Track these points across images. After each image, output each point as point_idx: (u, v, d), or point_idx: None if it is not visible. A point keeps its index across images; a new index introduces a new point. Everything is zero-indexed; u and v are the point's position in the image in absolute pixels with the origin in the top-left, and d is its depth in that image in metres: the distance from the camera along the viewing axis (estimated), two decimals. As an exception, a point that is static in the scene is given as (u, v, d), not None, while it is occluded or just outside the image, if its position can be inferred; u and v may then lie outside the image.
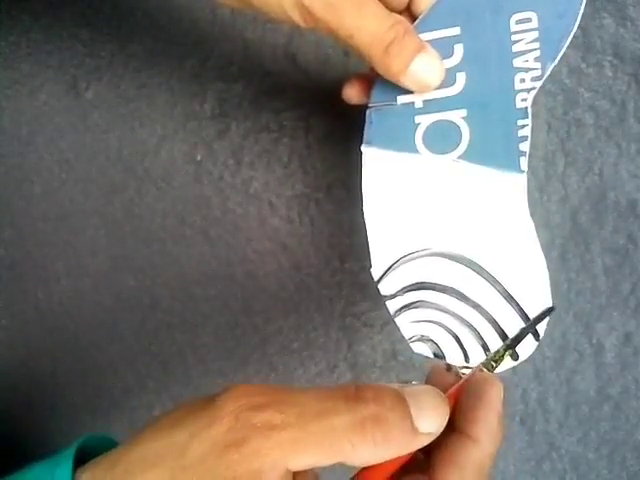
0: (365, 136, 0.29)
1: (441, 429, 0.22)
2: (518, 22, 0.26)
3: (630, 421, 0.40)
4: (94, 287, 0.48)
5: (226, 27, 0.41)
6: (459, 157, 0.27)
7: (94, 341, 0.49)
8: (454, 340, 0.28)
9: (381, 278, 0.29)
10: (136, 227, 0.46)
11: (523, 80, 0.26)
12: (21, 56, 0.46)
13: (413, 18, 0.28)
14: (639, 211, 0.37)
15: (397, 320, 0.29)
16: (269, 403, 0.21)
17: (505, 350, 0.27)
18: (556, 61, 0.26)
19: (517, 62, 0.26)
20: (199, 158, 0.44)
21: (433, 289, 0.28)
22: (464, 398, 0.24)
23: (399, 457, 0.22)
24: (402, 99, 0.28)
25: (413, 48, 0.25)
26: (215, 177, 0.44)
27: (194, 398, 0.23)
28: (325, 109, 0.40)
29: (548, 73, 0.26)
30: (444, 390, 0.23)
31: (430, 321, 0.29)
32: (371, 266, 0.29)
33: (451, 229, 0.28)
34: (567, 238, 0.39)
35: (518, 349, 0.27)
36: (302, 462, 0.21)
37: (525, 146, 0.26)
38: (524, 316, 0.27)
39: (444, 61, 0.27)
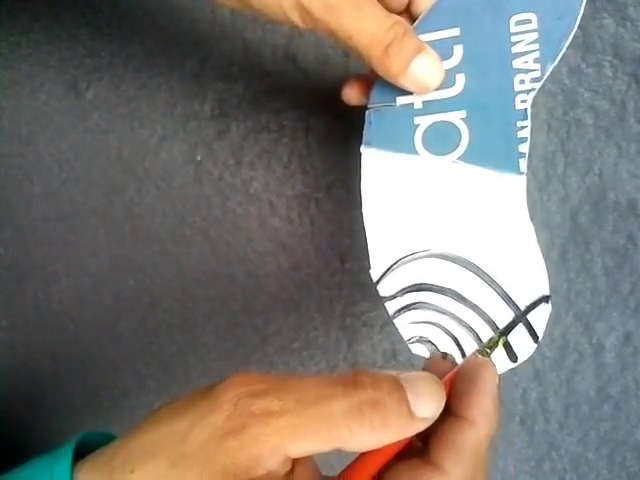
0: (364, 137, 0.29)
1: (437, 414, 0.22)
2: (518, 23, 0.26)
3: (630, 421, 0.40)
4: (94, 287, 0.48)
5: (226, 27, 0.41)
6: (458, 158, 0.27)
7: (94, 341, 0.49)
8: (452, 341, 0.28)
9: (380, 279, 0.29)
10: (136, 227, 0.46)
11: (522, 81, 0.26)
12: (21, 56, 0.45)
13: (412, 19, 0.28)
14: (639, 211, 0.37)
15: (396, 321, 0.29)
16: (268, 390, 0.22)
17: (499, 337, 0.27)
18: (556, 62, 0.26)
19: (517, 63, 0.26)
20: (199, 158, 0.44)
21: (432, 290, 0.28)
22: (459, 383, 0.24)
23: (396, 443, 0.22)
24: (401, 100, 0.28)
25: (412, 49, 0.25)
26: (215, 177, 0.44)
27: (194, 390, 0.23)
28: (325, 109, 0.40)
29: (548, 74, 0.26)
30: (440, 377, 0.24)
31: (429, 322, 0.29)
32: (370, 267, 0.29)
33: (450, 230, 0.28)
34: (567, 238, 0.39)
35: (516, 349, 0.27)
36: (301, 448, 0.21)
37: (524, 147, 0.26)
38: (523, 318, 0.27)
39: (444, 62, 0.27)
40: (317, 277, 0.43)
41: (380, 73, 0.26)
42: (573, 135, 0.37)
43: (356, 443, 0.21)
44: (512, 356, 0.28)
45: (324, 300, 0.43)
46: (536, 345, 0.27)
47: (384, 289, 0.29)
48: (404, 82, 0.26)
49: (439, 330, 0.28)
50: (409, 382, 0.22)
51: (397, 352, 0.43)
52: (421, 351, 0.29)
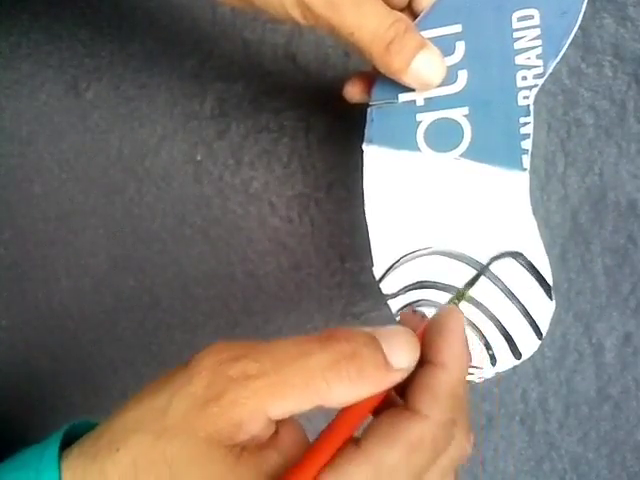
0: (366, 134, 0.29)
1: (413, 364, 0.23)
2: (520, 19, 0.26)
3: (630, 421, 0.40)
4: (94, 287, 0.48)
5: (226, 27, 0.41)
6: (461, 155, 0.27)
7: (94, 341, 0.49)
8: None
9: (382, 277, 0.29)
10: (136, 227, 0.46)
11: (525, 77, 0.26)
12: (21, 56, 0.45)
13: (414, 16, 0.28)
14: (639, 211, 0.37)
15: (398, 319, 0.29)
16: (245, 354, 0.22)
17: (465, 289, 0.27)
18: (558, 58, 0.26)
19: (519, 59, 0.26)
20: (199, 158, 0.44)
21: (435, 288, 0.28)
22: (429, 333, 0.24)
23: (375, 397, 0.22)
24: (403, 97, 0.28)
25: (414, 46, 0.25)
26: (215, 177, 0.44)
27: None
28: (325, 109, 0.40)
29: (550, 70, 0.26)
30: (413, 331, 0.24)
31: None
32: (372, 265, 0.29)
33: (453, 227, 0.28)
34: (567, 238, 0.39)
35: (520, 346, 0.27)
36: (281, 408, 0.21)
37: (527, 144, 0.26)
38: (526, 314, 0.27)
39: (446, 59, 0.26)
40: (317, 277, 0.43)
41: (382, 70, 0.26)
42: (573, 135, 0.37)
43: (335, 397, 0.21)
44: (516, 353, 0.28)
45: (324, 300, 0.43)
46: (540, 341, 0.27)
47: (387, 287, 0.29)
48: (406, 79, 0.26)
49: None
50: (383, 335, 0.23)
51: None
52: None
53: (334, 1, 0.24)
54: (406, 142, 0.28)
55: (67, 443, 0.23)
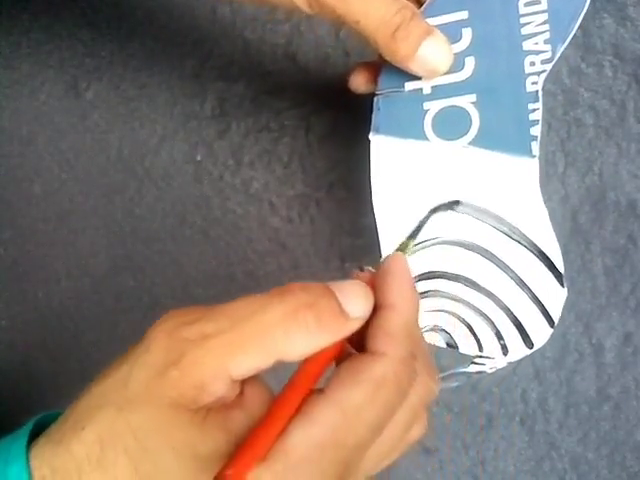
0: (373, 123, 0.28)
1: (367, 313, 0.23)
2: (527, 4, 0.25)
3: (630, 421, 0.40)
4: (94, 287, 0.48)
5: (226, 27, 0.41)
6: (469, 143, 0.27)
7: (94, 341, 0.49)
8: (467, 329, 0.28)
9: None
10: (136, 227, 0.46)
11: (533, 63, 0.26)
12: (21, 56, 0.45)
13: (420, 3, 0.27)
14: (639, 211, 0.37)
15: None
16: (200, 316, 0.22)
17: (409, 240, 0.27)
18: (566, 42, 0.25)
19: (527, 45, 0.26)
20: (199, 158, 0.44)
21: (444, 278, 0.28)
22: (377, 281, 0.24)
23: (333, 347, 0.22)
24: (410, 85, 0.27)
25: (420, 32, 0.25)
26: (215, 177, 0.44)
27: None
28: (325, 109, 0.40)
29: (558, 55, 0.25)
30: None
31: (442, 310, 0.28)
32: (381, 256, 0.28)
33: (462, 217, 0.27)
34: (567, 238, 0.39)
35: (532, 335, 0.27)
36: (242, 365, 0.21)
37: (536, 130, 0.26)
38: (538, 302, 0.27)
39: (452, 46, 0.26)
40: (317, 277, 0.43)
41: (388, 58, 0.26)
42: (573, 135, 0.37)
43: (294, 349, 0.21)
44: (528, 342, 0.27)
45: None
46: (552, 330, 0.27)
47: None
48: (412, 66, 0.26)
49: (453, 318, 0.28)
50: (337, 287, 0.23)
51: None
52: (435, 340, 0.29)
53: None
54: (413, 131, 0.28)
55: (40, 434, 0.23)
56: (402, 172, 0.28)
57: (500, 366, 0.28)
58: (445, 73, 0.26)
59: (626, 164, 0.37)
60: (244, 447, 0.20)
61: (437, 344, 0.29)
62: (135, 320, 0.48)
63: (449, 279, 0.28)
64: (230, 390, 0.21)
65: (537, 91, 0.26)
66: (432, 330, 0.28)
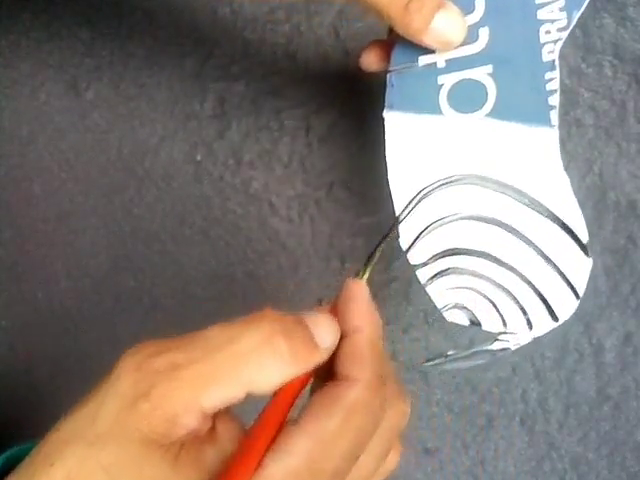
0: (387, 100, 0.27)
1: (336, 342, 0.23)
2: None
3: (630, 421, 0.40)
4: (94, 287, 0.48)
5: (226, 27, 0.41)
6: (486, 115, 0.26)
7: (94, 341, 0.49)
8: (490, 305, 0.27)
9: (410, 247, 0.28)
10: (136, 227, 0.46)
11: (549, 32, 0.25)
12: (21, 56, 0.45)
13: None
14: (639, 211, 0.37)
15: (428, 289, 0.28)
16: (170, 347, 0.21)
17: (365, 266, 0.26)
18: (582, 9, 0.25)
19: (541, 14, 0.25)
20: (199, 158, 0.44)
21: (466, 254, 0.27)
22: (338, 309, 0.25)
23: (302, 377, 0.22)
24: (423, 60, 0.27)
25: (433, 5, 0.24)
26: (215, 177, 0.44)
27: None
28: (325, 109, 0.40)
29: (574, 23, 0.25)
30: None
31: (464, 287, 0.28)
32: (398, 236, 0.28)
33: (481, 191, 0.27)
34: (567, 238, 0.39)
35: (556, 308, 0.26)
36: (214, 397, 0.20)
37: (554, 100, 0.25)
38: (562, 275, 0.26)
39: (466, 17, 0.26)
40: (317, 277, 0.43)
41: (400, 32, 0.25)
42: (573, 135, 0.37)
43: (267, 379, 0.21)
44: (553, 316, 0.27)
45: (324, 300, 0.43)
46: (577, 302, 0.26)
47: (414, 257, 0.28)
48: (426, 39, 0.25)
49: (475, 295, 0.27)
50: (307, 318, 0.23)
51: (397, 352, 0.43)
52: (458, 318, 0.28)
53: None
54: (428, 106, 0.27)
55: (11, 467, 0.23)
56: (418, 148, 0.27)
57: (524, 342, 0.27)
58: (459, 45, 0.26)
59: (626, 164, 0.37)
60: None
61: (460, 322, 0.28)
62: (135, 320, 0.48)
63: (470, 255, 0.27)
64: (202, 423, 0.21)
65: (553, 60, 0.25)
66: (454, 308, 0.28)
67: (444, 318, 0.28)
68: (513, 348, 0.27)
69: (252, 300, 0.45)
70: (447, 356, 0.29)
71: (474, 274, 0.27)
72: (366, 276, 0.27)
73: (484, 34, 0.26)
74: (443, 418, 0.43)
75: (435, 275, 0.28)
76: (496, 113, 0.26)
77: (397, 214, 0.28)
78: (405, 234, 0.28)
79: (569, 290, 0.27)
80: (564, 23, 0.25)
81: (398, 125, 0.27)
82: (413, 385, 0.43)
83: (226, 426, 0.22)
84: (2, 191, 0.48)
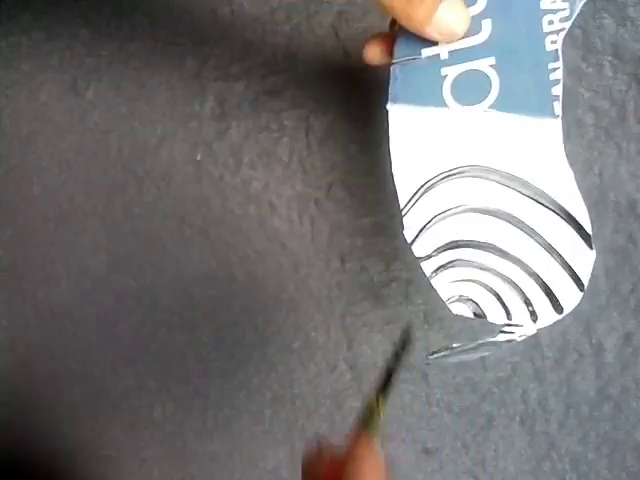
0: (390, 93, 0.27)
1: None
2: None
3: (630, 421, 0.40)
4: (94, 287, 0.48)
5: (226, 27, 0.41)
6: (490, 107, 0.26)
7: (94, 341, 0.49)
8: (495, 298, 0.27)
9: (415, 240, 0.28)
10: (136, 227, 0.46)
11: (551, 22, 0.25)
12: (21, 56, 0.45)
13: None
14: (639, 211, 0.37)
15: (433, 281, 0.28)
16: None
17: (378, 399, 0.26)
18: None
19: (544, 4, 0.25)
20: (199, 158, 0.44)
21: (470, 246, 0.27)
22: (347, 467, 0.23)
23: None
24: (427, 52, 0.27)
25: None
26: (215, 177, 0.44)
27: None
28: (325, 109, 0.40)
29: (577, 12, 0.25)
30: (320, 470, 0.24)
31: (469, 280, 0.28)
32: (403, 228, 0.28)
33: (485, 183, 0.27)
34: (567, 238, 0.39)
35: (561, 300, 0.26)
36: None
37: (558, 90, 0.25)
38: (567, 266, 0.26)
39: (469, 8, 0.26)
40: (317, 277, 0.43)
41: (403, 24, 0.25)
42: (573, 135, 0.37)
43: None
44: (557, 307, 0.27)
45: (324, 300, 0.43)
46: (582, 294, 0.26)
47: (419, 249, 0.28)
48: (429, 31, 0.25)
49: (480, 287, 0.27)
50: None
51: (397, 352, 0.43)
52: (462, 310, 0.28)
53: None
54: (432, 98, 0.27)
55: None
56: (422, 141, 0.27)
57: (530, 333, 0.27)
58: (462, 37, 0.26)
59: (626, 164, 0.37)
60: None
61: (464, 314, 0.28)
62: (135, 320, 0.48)
63: (475, 247, 0.27)
64: None
65: (557, 50, 0.25)
66: (459, 300, 0.28)
67: (444, 317, 0.28)
68: (519, 339, 0.27)
69: (252, 300, 0.45)
70: (452, 349, 0.29)
71: (478, 266, 0.27)
72: (382, 411, 0.26)
73: (487, 25, 0.26)
74: (443, 418, 0.43)
75: (439, 267, 0.28)
76: (499, 105, 0.26)
77: (401, 206, 0.28)
78: (409, 227, 0.28)
79: (573, 282, 0.27)
80: (567, 13, 0.25)
81: (402, 118, 0.27)
82: (413, 385, 0.43)
83: None
84: (2, 191, 0.48)
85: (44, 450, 0.53)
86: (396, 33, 0.27)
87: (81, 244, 0.47)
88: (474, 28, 0.26)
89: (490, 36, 0.26)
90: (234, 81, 0.42)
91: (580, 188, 0.38)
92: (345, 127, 0.40)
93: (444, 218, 0.27)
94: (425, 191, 0.27)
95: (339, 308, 0.43)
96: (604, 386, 0.40)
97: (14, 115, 0.47)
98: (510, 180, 0.26)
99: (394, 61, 0.27)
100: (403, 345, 0.27)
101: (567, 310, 0.27)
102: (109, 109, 0.45)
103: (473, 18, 0.26)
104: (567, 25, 0.25)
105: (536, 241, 0.26)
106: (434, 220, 0.27)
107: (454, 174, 0.27)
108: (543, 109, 0.26)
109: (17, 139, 0.47)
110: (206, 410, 0.48)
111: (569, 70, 0.37)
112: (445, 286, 0.28)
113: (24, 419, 0.53)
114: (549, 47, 0.25)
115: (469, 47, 0.26)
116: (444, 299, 0.28)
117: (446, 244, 0.27)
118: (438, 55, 0.26)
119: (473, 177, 0.27)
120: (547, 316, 0.27)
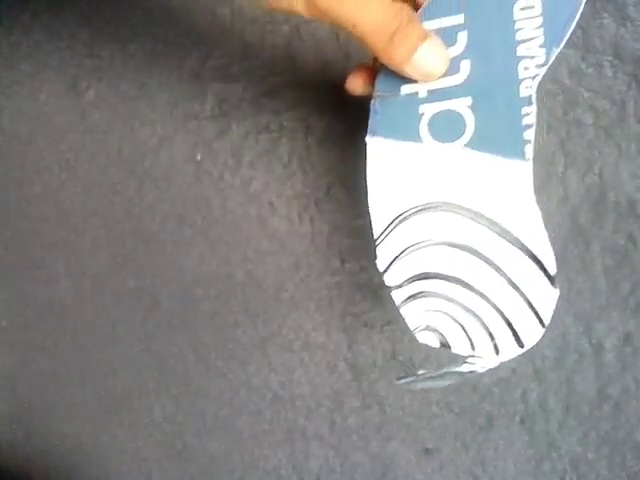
0: (370, 126, 0.28)
1: None
2: (522, 9, 0.26)
3: (630, 421, 0.40)
4: (94, 287, 0.48)
5: (226, 27, 0.41)
6: (465, 146, 0.27)
7: (94, 341, 0.49)
8: (460, 329, 0.28)
9: (387, 269, 0.29)
10: (136, 227, 0.46)
11: (527, 68, 0.26)
12: (21, 56, 0.46)
13: (417, 6, 0.27)
14: (639, 211, 0.37)
15: (402, 310, 0.29)
16: None
17: None
18: (560, 47, 0.25)
19: (521, 50, 0.26)
20: (199, 158, 0.44)
21: (439, 279, 0.28)
22: None
23: None
24: (406, 89, 0.27)
25: (417, 37, 0.25)
26: (215, 177, 0.44)
27: None
28: (325, 110, 0.40)
29: (553, 59, 0.26)
30: None
31: (436, 310, 0.28)
32: (376, 257, 0.29)
33: (456, 218, 0.28)
34: (567, 238, 0.39)
35: (522, 335, 0.27)
36: None
37: (530, 134, 0.26)
38: (530, 304, 0.27)
39: (448, 49, 0.26)
40: (317, 277, 0.43)
41: (384, 62, 0.26)
42: (573, 135, 0.37)
43: None
44: (519, 342, 0.27)
45: (324, 300, 0.43)
46: (543, 330, 0.27)
47: (390, 278, 0.29)
48: (409, 70, 0.26)
49: (447, 318, 0.28)
50: None
51: (397, 352, 0.43)
52: (429, 339, 0.29)
53: None
54: (409, 133, 0.28)
55: None
56: (398, 174, 0.28)
57: (492, 366, 0.28)
58: (441, 77, 0.27)
59: (626, 164, 0.37)
60: None
61: (431, 344, 0.29)
62: (135, 320, 0.48)
63: (443, 280, 0.28)
64: None
65: (531, 95, 0.26)
66: (426, 330, 0.29)
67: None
68: (481, 370, 0.29)
69: (252, 300, 0.45)
70: (418, 375, 0.30)
71: (446, 298, 0.28)
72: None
73: (465, 67, 0.27)
74: (443, 418, 0.43)
75: (409, 297, 0.29)
76: (474, 144, 0.27)
77: (375, 236, 0.29)
78: (382, 256, 0.29)
79: (535, 319, 0.27)
80: (542, 60, 0.26)
81: (380, 150, 0.28)
82: (413, 385, 0.43)
83: None
84: (2, 191, 0.48)
85: (44, 450, 0.53)
86: (378, 67, 0.27)
87: (81, 244, 0.47)
88: (453, 68, 0.27)
89: (468, 77, 0.27)
90: (234, 81, 0.42)
91: (580, 188, 0.38)
92: (344, 128, 0.40)
93: (416, 250, 0.28)
94: (399, 223, 0.28)
95: (339, 308, 0.43)
96: (604, 386, 0.40)
97: (14, 115, 0.47)
98: (479, 217, 0.27)
99: (374, 95, 0.28)
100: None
101: (528, 345, 0.27)
102: (109, 109, 0.45)
103: (452, 59, 0.27)
104: (542, 72, 0.26)
105: (502, 277, 0.27)
106: (406, 251, 0.28)
107: (427, 208, 0.28)
108: (515, 152, 0.27)
109: (17, 139, 0.47)
110: (206, 410, 0.48)
111: (569, 70, 0.37)
112: (414, 315, 0.29)
113: (24, 419, 0.53)
114: (523, 92, 0.26)
115: (447, 87, 0.27)
116: (412, 328, 0.29)
117: (416, 275, 0.28)
118: (417, 93, 0.27)
119: (445, 212, 0.28)
120: (509, 350, 0.28)
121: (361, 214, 0.41)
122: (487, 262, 0.27)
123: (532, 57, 0.26)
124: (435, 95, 0.27)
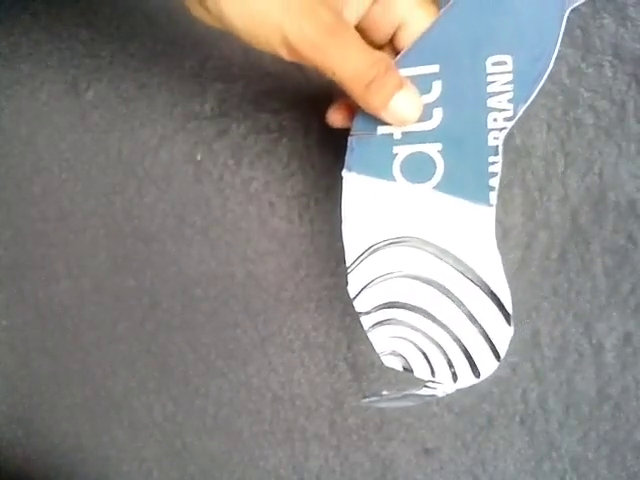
0: (346, 162, 0.30)
1: None
2: (494, 64, 0.27)
3: (630, 421, 0.40)
4: (94, 287, 0.48)
5: (226, 27, 0.41)
6: (434, 187, 0.29)
7: (94, 341, 0.49)
8: (422, 356, 0.30)
9: (357, 295, 0.30)
10: (136, 227, 0.46)
11: (496, 120, 0.27)
12: (21, 56, 0.46)
13: (395, 52, 0.29)
14: (639, 211, 0.37)
15: (370, 335, 0.31)
16: None
17: None
18: (528, 103, 0.27)
19: (491, 102, 0.27)
20: (199, 158, 0.44)
21: (405, 308, 0.30)
22: None
23: None
24: (382, 130, 0.29)
25: (393, 85, 0.26)
26: (215, 177, 0.44)
27: None
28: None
29: (520, 114, 0.27)
30: None
31: (401, 337, 0.30)
32: (347, 284, 0.30)
33: (423, 253, 0.29)
34: (567, 238, 0.39)
35: (479, 365, 0.29)
36: None
37: (495, 182, 0.27)
38: (486, 337, 0.29)
39: (422, 97, 0.28)
40: (317, 277, 0.43)
41: (361, 106, 0.27)
42: (573, 135, 0.37)
43: None
44: (476, 372, 0.29)
45: (324, 300, 0.43)
46: (498, 363, 0.29)
47: (360, 305, 0.30)
48: (384, 116, 0.27)
49: (410, 345, 0.30)
50: None
51: (397, 352, 0.43)
52: (393, 363, 0.31)
53: (319, 45, 0.25)
54: (383, 172, 0.29)
55: None
56: (371, 208, 0.30)
57: (449, 391, 0.30)
58: (415, 122, 0.28)
59: (626, 164, 0.37)
60: None
61: (395, 367, 0.31)
62: (135, 320, 0.48)
63: (408, 310, 0.30)
64: None
65: (497, 146, 0.27)
66: (391, 354, 0.31)
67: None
68: (440, 395, 0.31)
69: (252, 300, 0.45)
70: (382, 395, 0.33)
71: (411, 327, 0.30)
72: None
73: (438, 114, 0.28)
74: (443, 418, 0.43)
75: (377, 323, 0.30)
76: (442, 187, 0.29)
77: (347, 264, 0.30)
78: (353, 284, 0.30)
79: (491, 352, 0.29)
80: (510, 114, 0.27)
81: (355, 185, 0.30)
82: (413, 385, 0.43)
83: None
84: (2, 191, 0.48)
85: (44, 450, 0.53)
86: (356, 107, 0.29)
87: (81, 244, 0.47)
88: (426, 115, 0.28)
89: (439, 124, 0.28)
90: (234, 81, 0.42)
91: (580, 188, 0.38)
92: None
93: (384, 280, 0.30)
94: (370, 253, 0.30)
95: (339, 308, 0.43)
96: (604, 386, 0.40)
97: (14, 115, 0.47)
98: (444, 254, 0.29)
99: (352, 133, 0.30)
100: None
101: (483, 375, 0.29)
102: (109, 109, 0.45)
103: (426, 106, 0.28)
104: (509, 125, 0.27)
105: (462, 311, 0.29)
106: (375, 281, 0.30)
107: (398, 242, 0.30)
108: (480, 197, 0.28)
109: (17, 139, 0.47)
110: (206, 410, 0.48)
111: (569, 70, 0.37)
112: (380, 340, 0.31)
113: (24, 419, 0.53)
114: (491, 142, 0.27)
115: (420, 131, 0.28)
116: (378, 351, 0.31)
117: (384, 303, 0.30)
118: (392, 134, 0.29)
119: (414, 247, 0.29)
120: (466, 378, 0.30)
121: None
122: (449, 296, 0.29)
123: (501, 110, 0.27)
124: (408, 138, 0.29)
